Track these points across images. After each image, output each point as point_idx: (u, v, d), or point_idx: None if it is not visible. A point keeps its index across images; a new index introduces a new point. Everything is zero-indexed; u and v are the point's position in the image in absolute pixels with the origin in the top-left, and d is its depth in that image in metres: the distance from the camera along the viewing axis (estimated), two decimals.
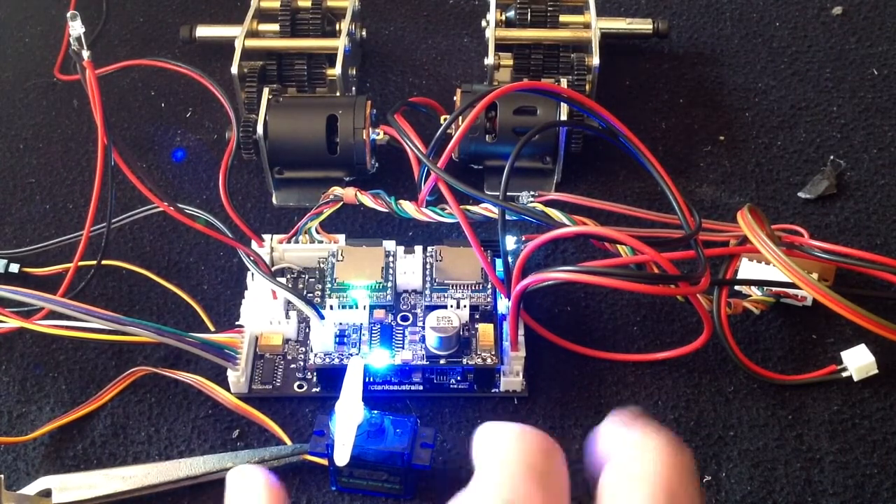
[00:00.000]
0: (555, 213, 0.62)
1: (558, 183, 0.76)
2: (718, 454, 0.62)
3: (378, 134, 0.74)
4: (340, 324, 0.64)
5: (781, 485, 0.60)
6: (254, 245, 0.68)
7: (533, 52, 0.80)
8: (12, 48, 0.89)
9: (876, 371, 0.64)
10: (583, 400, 0.64)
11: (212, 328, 0.67)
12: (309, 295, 0.67)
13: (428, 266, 0.67)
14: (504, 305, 0.65)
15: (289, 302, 0.66)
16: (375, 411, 0.58)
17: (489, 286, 0.66)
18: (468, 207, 0.65)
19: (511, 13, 0.81)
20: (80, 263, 0.68)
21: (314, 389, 0.64)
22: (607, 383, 0.65)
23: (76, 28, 0.61)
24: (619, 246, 0.62)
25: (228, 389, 0.63)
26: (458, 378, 0.64)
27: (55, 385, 0.65)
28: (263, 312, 0.66)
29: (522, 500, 0.35)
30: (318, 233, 0.69)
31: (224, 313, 0.69)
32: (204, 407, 0.64)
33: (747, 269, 0.67)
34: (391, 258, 0.68)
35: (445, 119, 0.73)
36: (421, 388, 0.64)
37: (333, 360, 0.63)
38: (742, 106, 0.83)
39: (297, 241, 0.69)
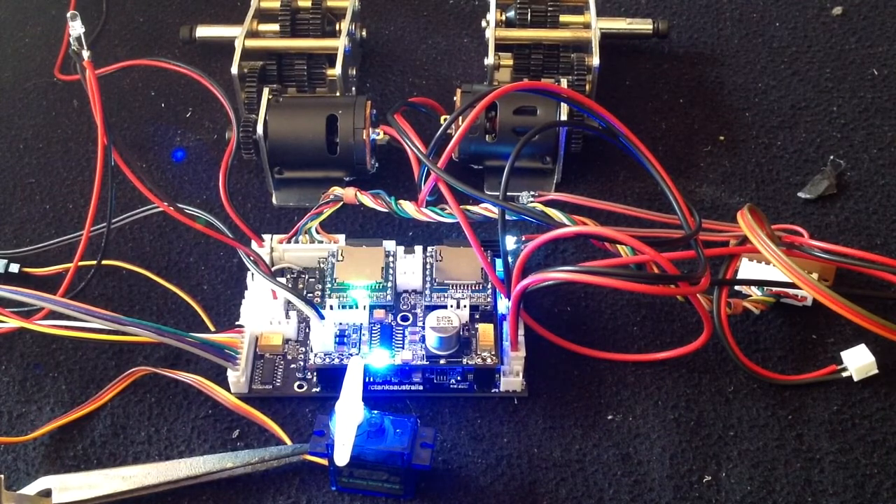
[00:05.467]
0: (555, 213, 0.62)
1: (558, 183, 0.76)
2: (718, 454, 0.62)
3: (378, 134, 0.74)
4: (340, 324, 0.64)
5: (781, 485, 0.60)
6: (254, 245, 0.68)
7: (533, 52, 0.80)
8: (12, 48, 0.89)
9: (876, 371, 0.64)
10: (583, 400, 0.64)
11: (212, 328, 0.67)
12: (309, 295, 0.67)
13: (428, 266, 0.67)
14: (504, 305, 0.65)
15: (289, 302, 0.66)
16: (375, 411, 0.58)
17: (489, 286, 0.66)
18: (468, 207, 0.65)
19: (511, 13, 0.81)
20: (80, 263, 0.68)
21: (314, 389, 0.64)
22: (607, 383, 0.65)
23: (76, 28, 0.61)
24: (619, 246, 0.62)
25: (228, 389, 0.63)
26: (458, 378, 0.64)
27: (55, 385, 0.65)
28: (263, 312, 0.66)
29: None
30: (318, 233, 0.69)
31: (224, 313, 0.69)
32: (204, 407, 0.64)
33: (747, 269, 0.67)
34: (391, 258, 0.67)
35: (445, 119, 0.73)
36: (421, 388, 0.64)
37: (333, 360, 0.63)
38: (742, 106, 0.83)
39: (297, 241, 0.69)
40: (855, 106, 0.82)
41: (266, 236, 0.69)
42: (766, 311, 0.68)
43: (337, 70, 0.77)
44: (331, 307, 0.64)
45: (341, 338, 0.64)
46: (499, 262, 0.65)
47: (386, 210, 0.67)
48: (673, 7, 0.92)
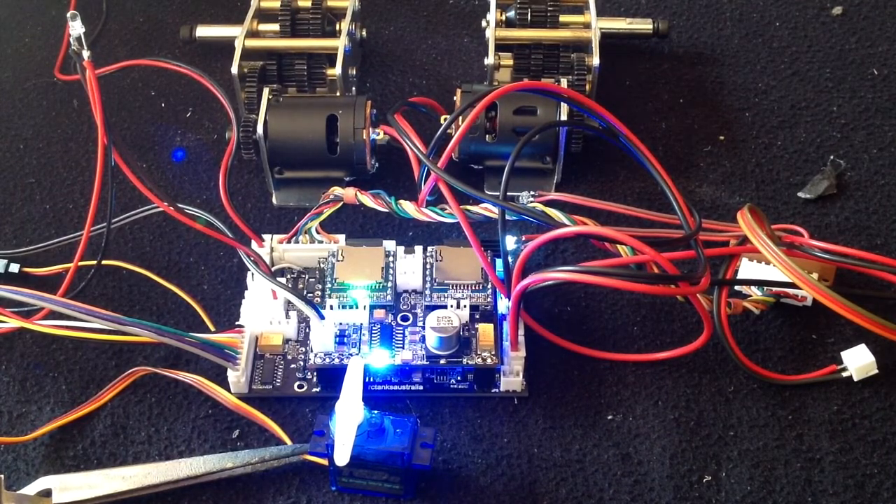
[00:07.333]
0: (555, 213, 0.62)
1: (558, 183, 0.76)
2: (718, 454, 0.62)
3: (378, 134, 0.74)
4: (340, 324, 0.64)
5: (781, 485, 0.60)
6: (254, 245, 0.68)
7: (533, 52, 0.80)
8: (12, 48, 0.89)
9: (876, 371, 0.64)
10: (583, 400, 0.64)
11: (212, 328, 0.67)
12: (309, 295, 0.67)
13: (428, 266, 0.67)
14: (504, 305, 0.65)
15: (289, 302, 0.66)
16: (375, 411, 0.58)
17: (489, 286, 0.66)
18: (468, 207, 0.65)
19: (511, 13, 0.81)
20: (80, 263, 0.68)
21: (314, 389, 0.64)
22: (607, 383, 0.65)
23: (76, 28, 0.61)
24: (619, 246, 0.62)
25: (228, 389, 0.63)
26: (458, 378, 0.64)
27: (55, 385, 0.65)
28: (263, 312, 0.66)
29: None
30: (318, 233, 0.69)
31: (224, 313, 0.69)
32: (204, 407, 0.64)
33: (747, 269, 0.67)
34: (391, 258, 0.68)
35: (445, 119, 0.73)
36: (421, 388, 0.64)
37: (333, 360, 0.63)
38: (742, 106, 0.83)
39: (297, 241, 0.69)
40: (855, 106, 0.82)
41: (266, 236, 0.69)
42: (766, 311, 0.68)
43: (337, 70, 0.77)
44: (331, 307, 0.64)
45: (341, 338, 0.64)
46: (499, 262, 0.65)
47: (386, 210, 0.67)
48: (673, 7, 0.92)
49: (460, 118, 0.69)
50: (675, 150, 0.80)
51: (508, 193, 0.64)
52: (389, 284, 0.66)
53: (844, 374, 0.64)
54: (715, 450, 0.62)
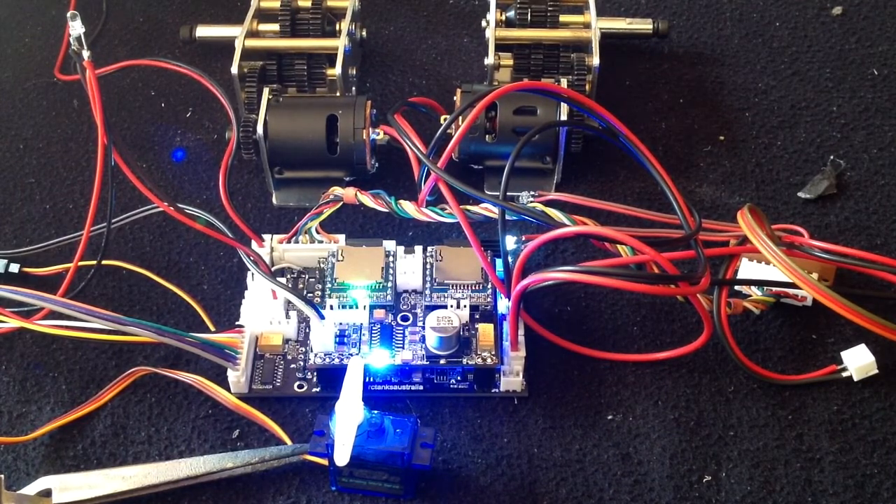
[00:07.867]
0: (555, 213, 0.62)
1: (558, 183, 0.76)
2: (718, 454, 0.62)
3: (378, 134, 0.74)
4: (340, 324, 0.64)
5: (781, 485, 0.60)
6: (254, 245, 0.68)
7: (533, 52, 0.80)
8: (12, 48, 0.89)
9: (876, 371, 0.64)
10: (583, 400, 0.64)
11: (212, 328, 0.67)
12: (309, 295, 0.67)
13: (428, 266, 0.67)
14: (504, 305, 0.65)
15: (289, 302, 0.66)
16: (375, 411, 0.58)
17: (489, 286, 0.66)
18: (468, 207, 0.65)
19: (511, 13, 0.81)
20: (80, 263, 0.68)
21: (314, 389, 0.64)
22: (607, 383, 0.65)
23: (76, 28, 0.61)
24: (619, 246, 0.62)
25: (228, 389, 0.63)
26: (458, 378, 0.64)
27: (55, 385, 0.65)
28: (263, 312, 0.66)
29: None
30: (318, 233, 0.69)
31: (224, 313, 0.69)
32: (204, 407, 0.64)
33: (747, 269, 0.67)
34: (391, 258, 0.68)
35: (445, 119, 0.73)
36: (421, 388, 0.64)
37: (333, 360, 0.63)
38: (742, 106, 0.83)
39: (297, 241, 0.69)
40: (855, 106, 0.82)
41: (266, 236, 0.69)
42: (766, 311, 0.68)
43: (337, 70, 0.77)
44: (331, 307, 0.64)
45: (341, 338, 0.64)
46: (499, 262, 0.65)
47: (386, 210, 0.67)
48: (673, 7, 0.92)
49: (460, 118, 0.69)
50: (675, 150, 0.80)
51: (508, 193, 0.64)
52: (389, 284, 0.66)
53: (844, 374, 0.64)
54: (715, 450, 0.62)
